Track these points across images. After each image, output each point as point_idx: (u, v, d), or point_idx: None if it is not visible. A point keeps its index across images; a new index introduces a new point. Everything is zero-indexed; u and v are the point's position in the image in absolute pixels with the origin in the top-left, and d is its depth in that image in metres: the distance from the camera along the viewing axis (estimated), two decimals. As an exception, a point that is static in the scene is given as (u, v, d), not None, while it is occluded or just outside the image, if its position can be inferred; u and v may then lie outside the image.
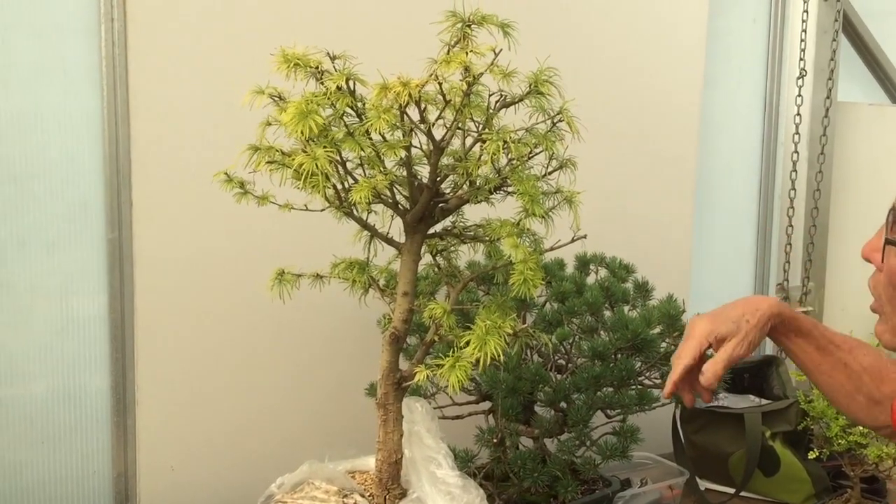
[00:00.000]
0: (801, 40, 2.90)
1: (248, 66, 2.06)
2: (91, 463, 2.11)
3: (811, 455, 2.25)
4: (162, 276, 2.10)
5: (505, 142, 1.33)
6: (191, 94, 2.08)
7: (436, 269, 1.68)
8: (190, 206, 2.11)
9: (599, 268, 2.28)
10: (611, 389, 1.96)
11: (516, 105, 1.42)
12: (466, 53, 1.33)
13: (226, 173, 1.43)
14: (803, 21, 2.89)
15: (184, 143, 2.08)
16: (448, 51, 1.35)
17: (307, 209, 1.43)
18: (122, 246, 2.07)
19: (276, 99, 1.41)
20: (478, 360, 1.32)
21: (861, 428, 2.08)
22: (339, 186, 1.40)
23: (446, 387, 1.32)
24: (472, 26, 1.35)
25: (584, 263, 2.28)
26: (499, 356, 1.30)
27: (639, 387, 1.99)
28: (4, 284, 1.99)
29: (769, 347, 2.97)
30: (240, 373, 2.21)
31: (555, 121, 1.44)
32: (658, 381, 2.05)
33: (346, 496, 1.60)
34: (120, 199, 2.05)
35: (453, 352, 1.35)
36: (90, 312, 2.09)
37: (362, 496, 1.61)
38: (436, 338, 1.48)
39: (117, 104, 2.03)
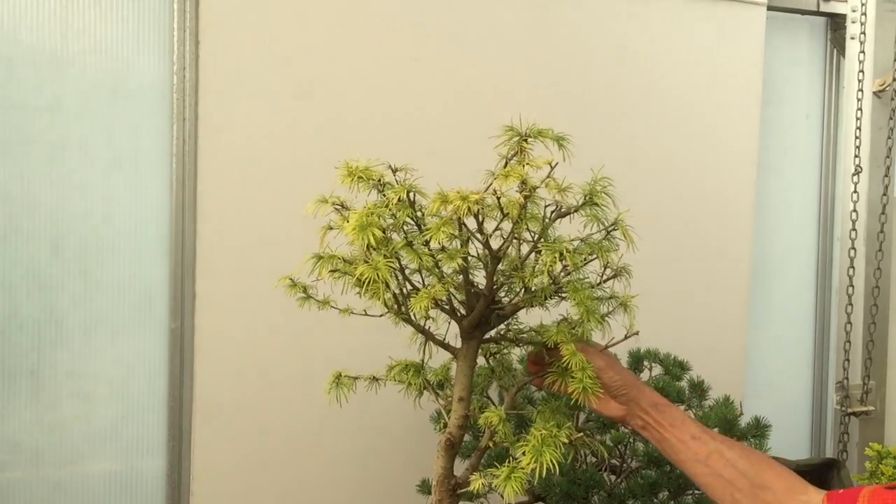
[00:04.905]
0: (856, 137, 2.89)
1: (311, 169, 2.15)
2: (144, 551, 2.14)
3: (876, 566, 2.16)
4: (221, 367, 2.15)
5: (560, 253, 1.35)
6: (255, 194, 2.17)
7: (489, 371, 1.68)
8: (251, 302, 2.17)
9: (653, 364, 2.25)
10: (667, 494, 1.92)
11: (571, 215, 1.45)
12: (523, 167, 1.36)
13: (290, 279, 1.47)
14: (857, 118, 2.89)
15: (246, 240, 2.16)
16: (506, 164, 1.39)
17: (366, 314, 1.47)
18: (183, 335, 2.13)
19: (339, 208, 1.46)
20: (533, 470, 1.32)
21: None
22: (398, 293, 1.44)
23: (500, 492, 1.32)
24: (529, 140, 1.39)
25: (637, 360, 2.26)
26: (554, 468, 1.30)
27: (697, 492, 1.95)
28: (72, 372, 2.06)
29: (829, 450, 2.89)
30: (294, 466, 2.23)
31: (609, 230, 1.46)
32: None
33: None
34: (184, 290, 2.13)
35: (509, 461, 1.35)
36: (150, 399, 2.14)
37: None
38: (490, 444, 1.48)
39: (185, 200, 2.12)
